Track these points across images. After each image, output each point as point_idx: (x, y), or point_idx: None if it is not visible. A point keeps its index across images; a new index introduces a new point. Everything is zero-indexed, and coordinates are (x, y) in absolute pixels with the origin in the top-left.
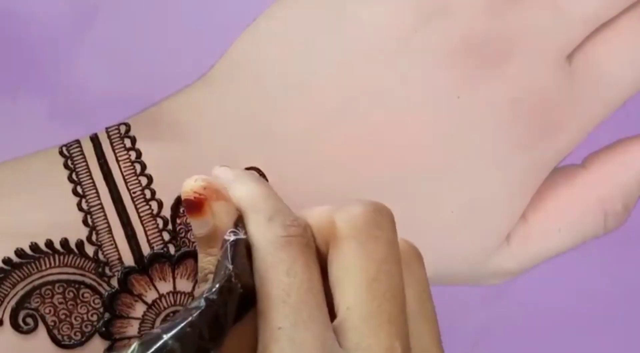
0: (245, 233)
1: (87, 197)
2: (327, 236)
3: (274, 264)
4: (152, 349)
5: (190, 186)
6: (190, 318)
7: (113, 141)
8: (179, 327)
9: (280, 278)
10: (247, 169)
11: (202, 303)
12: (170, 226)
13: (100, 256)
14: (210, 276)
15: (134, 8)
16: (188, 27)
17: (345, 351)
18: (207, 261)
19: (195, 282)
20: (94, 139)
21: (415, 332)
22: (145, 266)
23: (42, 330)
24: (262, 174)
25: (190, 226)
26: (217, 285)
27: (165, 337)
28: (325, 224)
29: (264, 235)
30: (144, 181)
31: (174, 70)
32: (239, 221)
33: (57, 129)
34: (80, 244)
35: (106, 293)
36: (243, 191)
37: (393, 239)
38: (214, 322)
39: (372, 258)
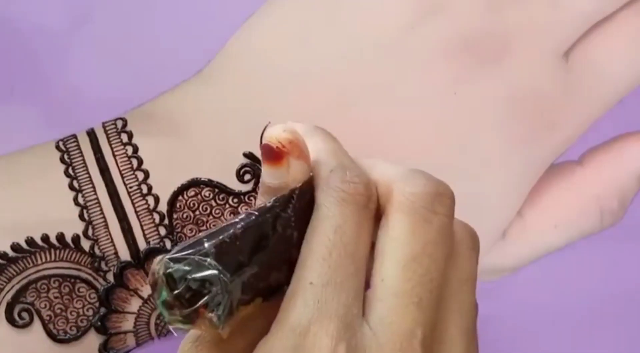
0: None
1: (84, 192)
2: (383, 201)
3: (326, 217)
4: (190, 251)
5: (276, 134)
6: (233, 231)
7: (110, 136)
8: (220, 237)
9: (327, 233)
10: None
11: (250, 219)
12: (166, 221)
13: (97, 251)
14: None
15: (128, 9)
16: (183, 28)
17: (366, 322)
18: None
19: None
20: (91, 134)
21: (443, 321)
22: (141, 261)
23: (37, 325)
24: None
25: (187, 221)
26: (272, 208)
27: (206, 243)
28: (383, 188)
29: (322, 187)
30: (140, 176)
31: (170, 71)
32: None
33: (52, 131)
34: (76, 238)
35: (102, 288)
36: (312, 146)
37: (447, 224)
38: (257, 241)
39: (419, 238)
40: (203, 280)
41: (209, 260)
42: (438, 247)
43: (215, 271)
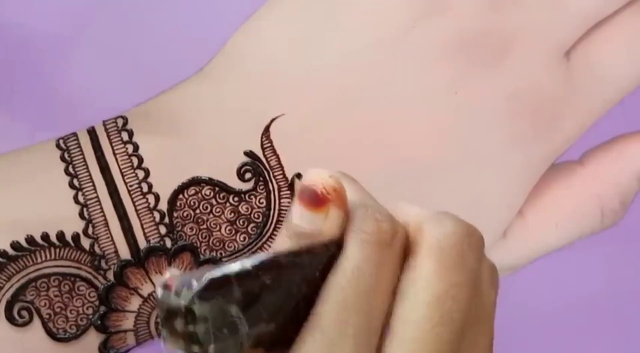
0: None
1: (84, 190)
2: (411, 242)
3: (346, 258)
4: (218, 291)
5: (322, 178)
6: (262, 281)
7: (110, 134)
8: (249, 285)
9: (345, 275)
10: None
11: (280, 272)
12: (167, 220)
13: (97, 249)
14: None
15: (130, 11)
16: (184, 27)
17: None
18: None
19: None
20: (91, 132)
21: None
22: (141, 259)
23: (37, 323)
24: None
25: (187, 220)
26: (302, 267)
27: (235, 286)
28: (412, 228)
29: (348, 228)
30: (140, 174)
31: (173, 70)
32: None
33: (53, 133)
34: (76, 237)
35: (102, 287)
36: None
37: (475, 268)
38: (283, 299)
39: (445, 280)
40: (221, 327)
41: (234, 310)
42: (463, 289)
43: (236, 321)
